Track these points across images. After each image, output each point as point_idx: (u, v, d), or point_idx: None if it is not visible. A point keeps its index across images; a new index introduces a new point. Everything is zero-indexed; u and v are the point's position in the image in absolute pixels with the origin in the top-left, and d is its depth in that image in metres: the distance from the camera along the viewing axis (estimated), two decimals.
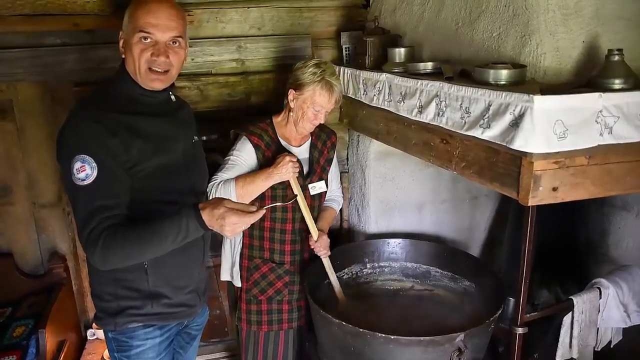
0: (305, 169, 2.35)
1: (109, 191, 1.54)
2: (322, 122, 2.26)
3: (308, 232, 2.32)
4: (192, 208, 1.53)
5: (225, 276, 2.42)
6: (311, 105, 2.19)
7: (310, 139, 2.39)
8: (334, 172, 2.51)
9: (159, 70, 1.67)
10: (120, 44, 1.70)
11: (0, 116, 2.64)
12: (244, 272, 2.35)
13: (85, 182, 1.51)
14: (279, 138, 2.30)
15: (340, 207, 2.63)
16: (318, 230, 2.32)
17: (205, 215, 1.52)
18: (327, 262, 2.37)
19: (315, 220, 2.37)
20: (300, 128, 2.27)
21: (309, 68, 2.19)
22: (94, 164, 1.52)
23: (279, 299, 2.35)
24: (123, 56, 1.70)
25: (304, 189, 2.29)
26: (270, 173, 2.14)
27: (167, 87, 1.76)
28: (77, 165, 1.51)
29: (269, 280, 2.33)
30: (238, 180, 2.16)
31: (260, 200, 2.21)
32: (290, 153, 2.21)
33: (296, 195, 2.23)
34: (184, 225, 1.52)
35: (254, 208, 1.57)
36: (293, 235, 2.33)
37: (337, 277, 2.49)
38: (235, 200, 2.03)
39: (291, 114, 2.26)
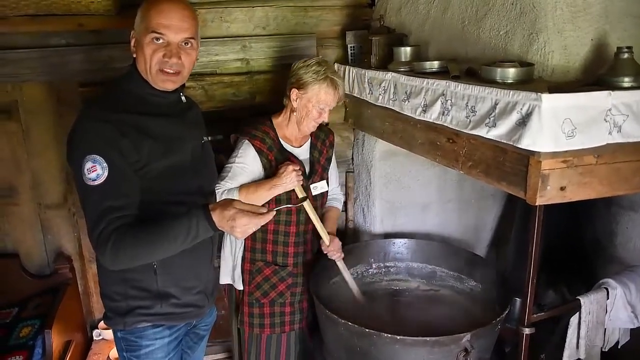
0: (307, 170, 2.34)
1: (120, 191, 1.54)
2: (326, 120, 2.26)
3: (314, 234, 2.30)
4: (202, 209, 1.53)
5: (225, 279, 2.40)
6: (316, 104, 2.18)
7: (309, 139, 2.38)
8: (333, 171, 2.51)
9: (171, 71, 1.67)
10: (132, 43, 1.70)
11: (6, 117, 2.65)
12: (246, 275, 2.33)
13: (96, 182, 1.51)
14: (280, 139, 2.28)
15: (342, 204, 2.62)
16: (328, 233, 2.31)
17: (216, 216, 1.52)
18: (341, 265, 2.36)
19: (322, 222, 2.36)
20: (304, 127, 2.26)
21: (312, 67, 2.18)
22: (105, 164, 1.52)
23: (282, 301, 2.34)
24: (134, 56, 1.70)
25: (306, 190, 2.28)
26: (274, 184, 2.13)
27: (177, 88, 1.76)
28: (88, 165, 1.51)
29: (271, 283, 2.32)
30: (242, 190, 2.14)
31: (266, 203, 2.20)
32: (292, 162, 2.21)
33: (305, 197, 2.22)
34: (194, 225, 1.52)
35: (264, 209, 1.58)
36: (297, 237, 2.32)
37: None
38: None
39: (294, 113, 2.25)
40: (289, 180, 2.13)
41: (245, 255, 2.33)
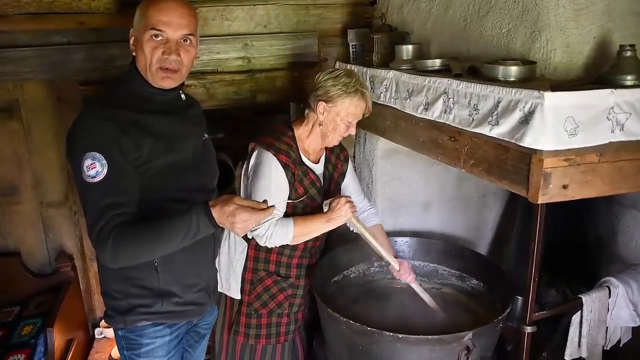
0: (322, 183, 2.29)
1: (119, 189, 1.54)
2: (353, 133, 2.19)
3: (319, 248, 2.31)
4: (202, 205, 1.53)
5: (219, 287, 2.24)
6: (345, 117, 2.11)
7: (324, 154, 2.32)
8: (353, 185, 2.44)
9: (170, 68, 1.67)
10: (131, 41, 1.69)
11: (7, 115, 2.65)
12: (246, 285, 2.26)
13: (96, 180, 1.51)
14: (301, 153, 2.20)
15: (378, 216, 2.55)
16: (394, 257, 2.30)
17: (216, 213, 1.52)
18: (416, 287, 2.33)
19: (325, 241, 2.36)
20: (329, 141, 2.19)
21: (341, 79, 2.09)
22: (105, 162, 1.52)
23: (279, 312, 2.27)
24: (134, 54, 1.69)
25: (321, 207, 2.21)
26: (330, 218, 2.10)
27: (177, 86, 1.75)
28: (88, 162, 1.51)
29: (271, 293, 2.25)
30: (297, 224, 2.09)
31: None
32: (345, 195, 2.18)
33: (354, 227, 2.23)
34: (194, 222, 1.52)
35: (264, 205, 1.57)
36: (304, 252, 2.28)
37: (345, 275, 2.50)
38: (289, 243, 2.09)
39: (320, 127, 2.16)
40: (345, 212, 2.10)
41: (247, 264, 2.25)
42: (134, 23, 1.68)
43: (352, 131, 2.17)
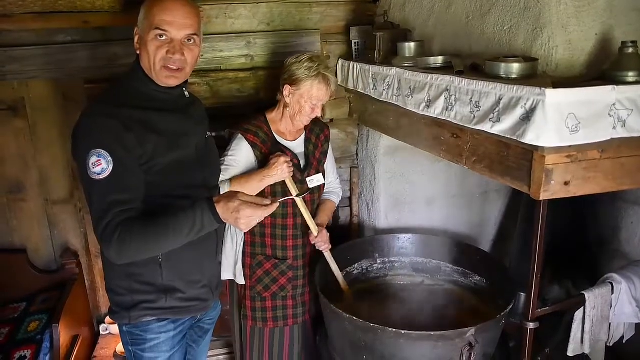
0: (302, 163, 2.35)
1: (125, 185, 1.56)
2: (319, 115, 2.30)
3: (308, 227, 2.32)
4: (206, 201, 1.55)
5: (226, 275, 2.40)
6: (309, 100, 2.21)
7: (304, 133, 2.40)
8: (330, 164, 2.52)
9: (174, 67, 1.68)
10: (135, 40, 1.71)
11: (13, 114, 2.67)
12: (247, 270, 2.35)
13: (101, 177, 1.52)
14: (274, 134, 2.30)
15: (340, 198, 2.63)
16: (317, 225, 2.32)
17: (220, 208, 1.54)
18: (328, 255, 2.37)
19: (315, 213, 2.38)
20: (297, 122, 2.28)
21: (304, 63, 2.20)
22: (110, 158, 1.53)
23: (283, 295, 2.35)
24: (137, 52, 1.71)
25: (303, 182, 2.30)
26: (265, 175, 2.16)
27: (180, 83, 1.77)
28: (93, 159, 1.52)
29: (272, 277, 2.33)
30: (233, 182, 2.16)
31: (260, 196, 2.20)
32: (284, 153, 2.22)
33: (307, 190, 2.25)
34: (199, 218, 1.53)
35: (267, 201, 1.59)
36: (294, 230, 2.34)
37: (348, 272, 2.51)
38: None
39: (287, 109, 2.27)
40: (280, 171, 2.15)
41: (245, 249, 2.35)
42: (138, 22, 1.69)
43: (318, 113, 2.28)
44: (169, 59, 1.66)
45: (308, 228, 2.32)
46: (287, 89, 2.23)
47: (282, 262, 2.34)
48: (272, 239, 2.32)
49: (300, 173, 2.31)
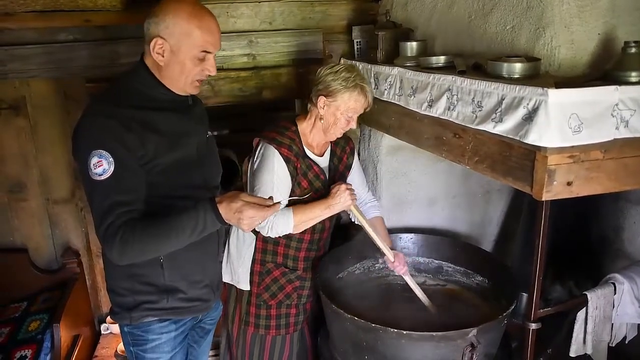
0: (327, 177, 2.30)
1: (126, 186, 1.55)
2: (354, 127, 2.21)
3: (327, 241, 2.32)
4: (208, 201, 1.55)
5: (225, 278, 2.31)
6: (345, 112, 2.12)
7: (329, 147, 2.33)
8: (357, 177, 2.45)
9: (203, 79, 1.72)
10: (161, 47, 1.63)
11: (14, 113, 2.67)
12: (255, 277, 2.29)
13: (103, 177, 1.52)
14: (304, 147, 2.22)
15: (380, 210, 2.56)
16: (390, 249, 2.31)
17: (222, 209, 1.53)
18: (409, 279, 2.34)
19: (331, 227, 2.36)
20: (330, 135, 2.21)
21: (341, 73, 2.10)
22: (111, 159, 1.52)
23: (288, 303, 2.31)
24: (161, 63, 1.66)
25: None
26: (329, 204, 2.11)
27: None
28: (94, 160, 1.52)
29: (279, 285, 2.29)
30: (296, 211, 2.11)
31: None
32: (345, 182, 2.20)
33: (353, 216, 2.23)
34: (201, 218, 1.53)
35: (270, 201, 1.58)
36: (310, 244, 2.30)
37: (349, 271, 2.50)
38: (292, 231, 2.10)
39: (321, 121, 2.18)
40: (344, 199, 2.11)
41: (255, 256, 2.29)
42: (168, 32, 1.62)
43: (353, 125, 2.19)
44: (204, 74, 1.69)
45: (379, 251, 2.31)
46: (321, 100, 2.12)
47: (292, 272, 2.30)
48: (285, 248, 2.27)
49: (323, 187, 2.24)
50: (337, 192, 2.12)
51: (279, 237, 2.19)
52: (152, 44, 1.62)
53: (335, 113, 2.13)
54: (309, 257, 2.32)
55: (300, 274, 2.31)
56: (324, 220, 2.24)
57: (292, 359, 2.39)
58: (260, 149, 2.17)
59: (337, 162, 2.34)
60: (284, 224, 2.09)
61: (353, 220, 2.31)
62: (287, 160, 2.13)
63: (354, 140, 2.98)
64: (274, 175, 2.11)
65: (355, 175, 2.43)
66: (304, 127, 2.23)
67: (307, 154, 2.22)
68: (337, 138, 2.28)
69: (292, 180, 2.15)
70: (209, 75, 1.73)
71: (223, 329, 2.53)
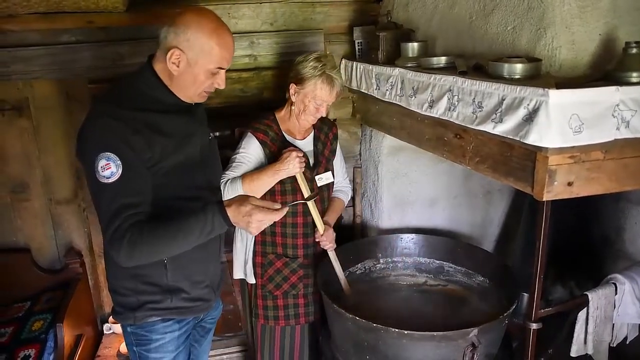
0: (311, 161, 2.36)
1: (133, 189, 1.55)
2: (323, 115, 2.29)
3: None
4: (216, 204, 1.57)
5: (238, 274, 2.42)
6: (312, 99, 2.21)
7: (313, 132, 2.41)
8: (338, 163, 2.52)
9: (211, 91, 1.75)
10: (179, 59, 1.63)
11: (17, 114, 2.67)
12: (258, 269, 2.36)
13: (110, 180, 1.52)
14: (283, 132, 2.32)
15: (349, 197, 2.63)
16: (324, 223, 2.33)
17: (231, 212, 1.55)
18: (332, 255, 2.37)
19: (324, 212, 2.39)
20: (302, 121, 2.29)
21: (310, 62, 2.20)
22: (119, 162, 1.52)
23: (295, 293, 2.36)
24: (175, 73, 1.65)
25: (312, 181, 2.30)
26: (277, 169, 2.15)
27: None
28: (102, 163, 1.52)
29: (283, 275, 2.34)
30: (245, 178, 2.17)
31: (270, 194, 2.24)
32: (296, 147, 2.23)
33: (316, 193, 2.26)
34: (209, 221, 1.55)
35: (278, 206, 1.61)
36: (305, 228, 2.34)
37: (351, 271, 2.51)
38: None
39: (293, 107, 2.28)
40: (292, 165, 2.14)
41: (256, 248, 2.35)
42: (187, 45, 1.62)
43: (323, 113, 2.27)
44: (213, 87, 1.72)
45: (315, 226, 2.32)
46: (292, 88, 2.24)
47: (293, 261, 2.34)
48: (283, 238, 2.33)
49: (310, 171, 2.31)
50: (287, 157, 2.15)
51: (275, 226, 2.27)
52: (169, 54, 1.61)
53: (303, 100, 2.22)
54: (308, 243, 2.36)
55: (302, 261, 2.35)
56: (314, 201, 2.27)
57: (303, 350, 2.41)
58: (242, 137, 2.30)
59: (321, 147, 2.40)
60: (233, 193, 2.11)
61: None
62: (262, 144, 2.25)
63: (355, 141, 3.00)
64: (242, 151, 2.24)
65: (337, 161, 2.50)
66: (282, 114, 2.35)
67: (287, 138, 2.31)
68: (321, 123, 2.39)
69: (267, 162, 2.24)
70: (217, 89, 1.75)
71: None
